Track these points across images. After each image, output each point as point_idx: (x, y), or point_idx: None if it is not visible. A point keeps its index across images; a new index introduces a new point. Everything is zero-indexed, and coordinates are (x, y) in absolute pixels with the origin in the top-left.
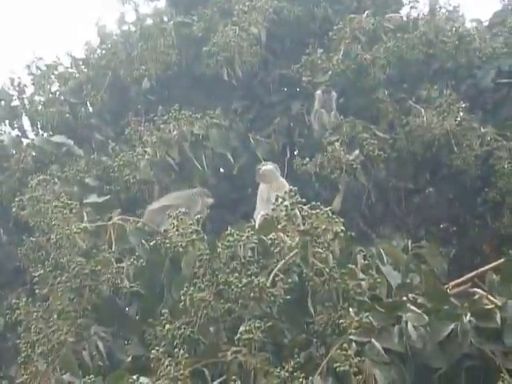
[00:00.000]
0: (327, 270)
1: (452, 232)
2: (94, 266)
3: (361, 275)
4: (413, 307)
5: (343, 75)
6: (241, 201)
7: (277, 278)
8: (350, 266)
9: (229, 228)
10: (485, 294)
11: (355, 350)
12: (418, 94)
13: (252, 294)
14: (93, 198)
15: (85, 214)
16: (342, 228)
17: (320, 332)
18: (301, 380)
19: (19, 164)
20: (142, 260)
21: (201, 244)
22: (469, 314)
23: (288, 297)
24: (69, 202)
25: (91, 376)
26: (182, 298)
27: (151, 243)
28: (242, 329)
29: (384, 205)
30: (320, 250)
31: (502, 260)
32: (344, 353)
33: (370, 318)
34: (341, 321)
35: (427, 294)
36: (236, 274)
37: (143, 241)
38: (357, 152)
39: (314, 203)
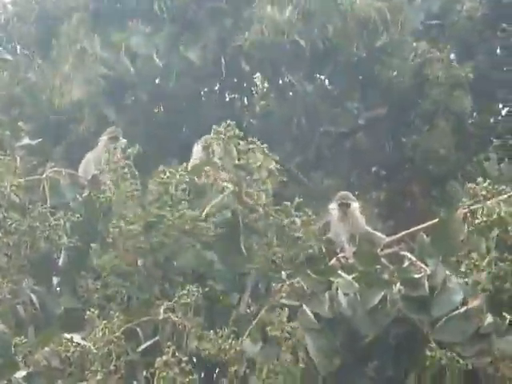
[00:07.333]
0: (261, 207)
1: (382, 176)
2: (32, 222)
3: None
4: (344, 274)
5: None
6: None
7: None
8: (285, 203)
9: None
10: (415, 259)
11: (287, 314)
12: None
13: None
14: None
15: (18, 158)
16: (276, 166)
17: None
18: (231, 342)
19: None
20: (77, 214)
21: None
22: (398, 283)
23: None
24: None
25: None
26: (111, 230)
27: (84, 196)
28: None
29: (316, 149)
30: (251, 189)
31: (435, 220)
32: (278, 318)
33: (302, 282)
34: (272, 285)
35: (359, 256)
36: (168, 208)
37: (77, 195)
38: None
39: (251, 139)
